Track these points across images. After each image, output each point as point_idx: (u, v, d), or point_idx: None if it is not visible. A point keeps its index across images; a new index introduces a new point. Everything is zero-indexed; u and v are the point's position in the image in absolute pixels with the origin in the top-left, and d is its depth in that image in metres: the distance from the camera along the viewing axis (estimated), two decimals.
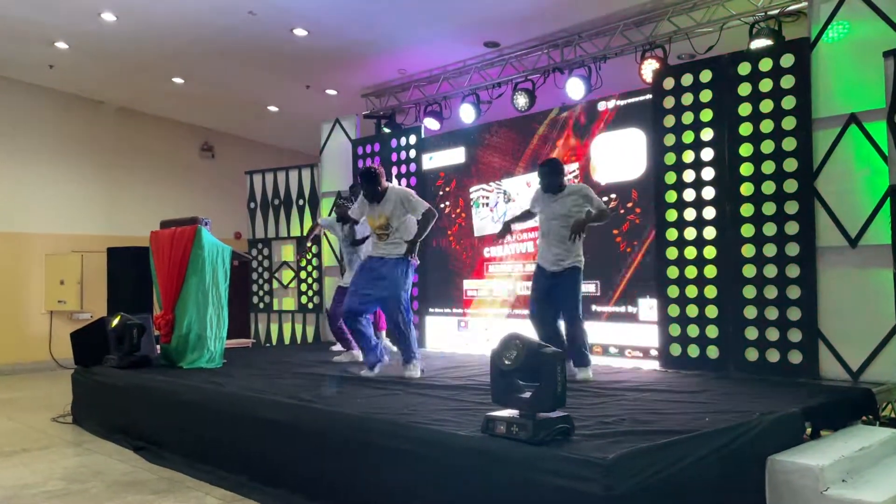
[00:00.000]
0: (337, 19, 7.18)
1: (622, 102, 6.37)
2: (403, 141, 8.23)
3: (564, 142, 6.76)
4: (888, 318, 4.63)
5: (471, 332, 7.50)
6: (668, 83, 5.76)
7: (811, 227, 5.00)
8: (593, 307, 6.37)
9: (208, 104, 10.41)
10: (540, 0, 6.54)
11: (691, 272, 5.55)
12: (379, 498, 3.37)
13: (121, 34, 7.80)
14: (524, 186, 7.00)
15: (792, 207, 5.08)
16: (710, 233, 5.49)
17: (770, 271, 5.16)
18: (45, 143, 10.13)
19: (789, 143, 5.11)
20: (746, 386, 4.69)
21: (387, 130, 8.80)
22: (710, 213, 5.50)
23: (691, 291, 5.54)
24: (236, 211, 10.30)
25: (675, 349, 5.62)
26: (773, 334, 5.14)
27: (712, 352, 5.43)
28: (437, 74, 8.29)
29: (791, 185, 5.09)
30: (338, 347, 6.84)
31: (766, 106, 5.21)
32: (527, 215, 5.44)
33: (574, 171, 6.61)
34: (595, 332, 6.02)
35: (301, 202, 9.20)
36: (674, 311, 5.63)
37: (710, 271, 5.46)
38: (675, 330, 5.62)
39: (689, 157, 5.61)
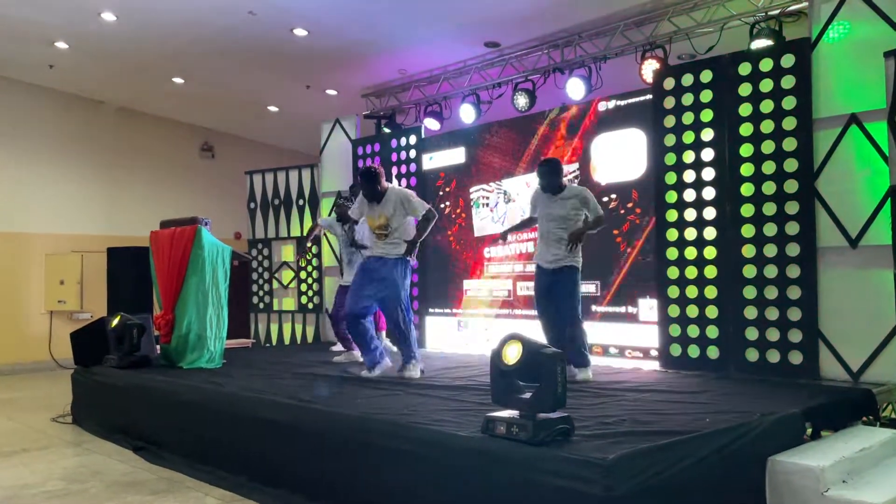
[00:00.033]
0: (337, 19, 7.18)
1: (622, 102, 6.36)
2: (403, 141, 8.23)
3: (558, 142, 6.76)
4: (889, 319, 4.63)
5: (471, 332, 7.50)
6: (669, 83, 5.76)
7: (812, 227, 5.00)
8: (593, 307, 6.37)
9: (208, 104, 10.41)
10: (540, 0, 6.53)
11: (692, 272, 5.55)
12: (379, 498, 3.36)
13: (121, 34, 7.80)
14: (524, 187, 7.00)
15: (792, 208, 5.08)
16: (710, 233, 5.48)
17: (770, 272, 5.15)
18: (45, 143, 10.13)
19: (790, 144, 5.10)
20: (747, 386, 4.69)
21: (387, 130, 8.80)
22: (710, 213, 5.49)
23: (692, 292, 5.54)
24: (236, 211, 10.29)
25: (676, 349, 5.62)
26: (773, 335, 5.13)
27: (712, 352, 5.43)
28: (437, 74, 8.28)
29: (791, 186, 5.08)
30: (338, 347, 6.83)
31: (767, 106, 5.21)
32: (528, 222, 5.42)
33: (574, 171, 6.61)
34: (594, 331, 6.02)
35: (301, 202, 9.20)
36: (674, 311, 5.63)
37: (711, 272, 5.45)
38: (675, 330, 5.62)
39: (689, 157, 5.60)
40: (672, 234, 5.68)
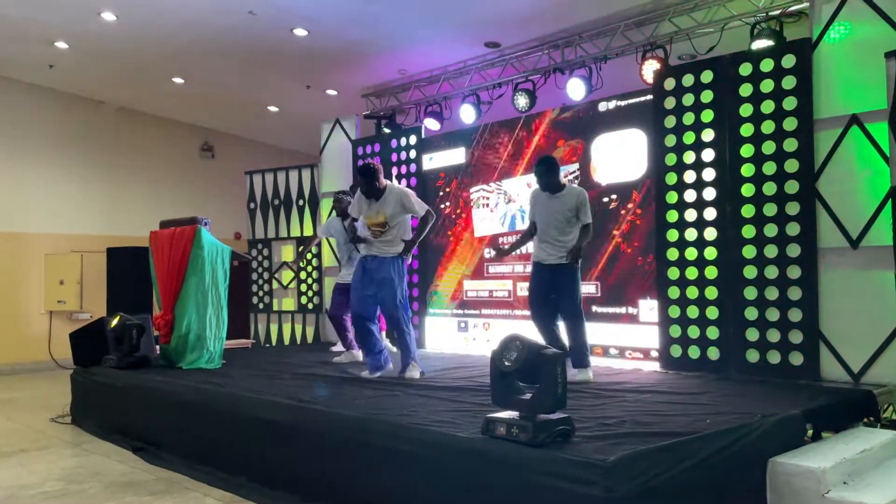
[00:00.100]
0: (337, 19, 7.17)
1: (623, 103, 6.35)
2: (404, 141, 8.22)
3: (558, 142, 6.75)
4: (889, 320, 4.62)
5: (470, 332, 7.50)
6: (669, 84, 5.75)
7: (812, 228, 4.99)
8: (593, 307, 6.36)
9: (208, 104, 10.40)
10: (540, 0, 6.53)
11: (692, 273, 5.54)
12: (378, 499, 3.36)
13: (121, 34, 7.80)
14: (524, 187, 6.99)
15: (793, 208, 5.07)
16: (710, 234, 5.47)
17: (771, 272, 5.14)
18: (45, 143, 10.13)
19: (790, 144, 5.09)
20: (747, 387, 4.68)
21: (387, 131, 8.80)
22: (710, 213, 5.48)
23: (692, 293, 5.53)
24: (236, 211, 10.29)
25: (676, 350, 5.61)
26: (774, 336, 5.12)
27: (713, 353, 5.42)
28: (437, 75, 8.28)
29: (792, 186, 5.08)
30: (338, 347, 6.83)
31: (768, 107, 5.20)
32: (526, 237, 5.37)
33: (574, 171, 6.60)
34: (594, 332, 6.00)
35: (301, 202, 9.19)
36: (674, 312, 5.62)
37: (711, 272, 5.45)
38: (675, 331, 5.61)
39: (689, 157, 5.60)
40: (672, 235, 5.67)
